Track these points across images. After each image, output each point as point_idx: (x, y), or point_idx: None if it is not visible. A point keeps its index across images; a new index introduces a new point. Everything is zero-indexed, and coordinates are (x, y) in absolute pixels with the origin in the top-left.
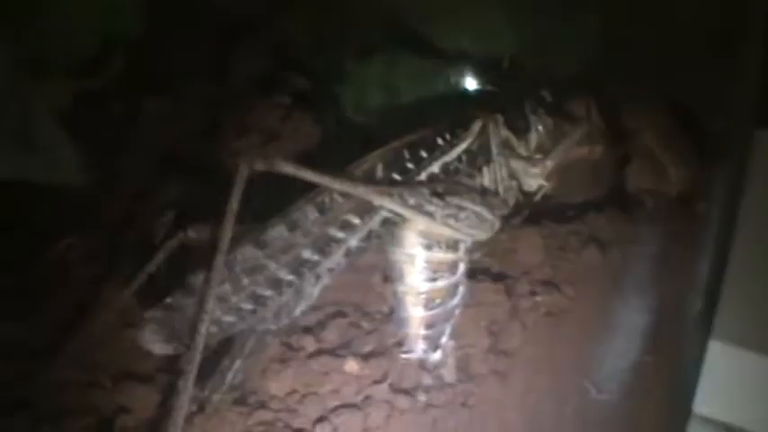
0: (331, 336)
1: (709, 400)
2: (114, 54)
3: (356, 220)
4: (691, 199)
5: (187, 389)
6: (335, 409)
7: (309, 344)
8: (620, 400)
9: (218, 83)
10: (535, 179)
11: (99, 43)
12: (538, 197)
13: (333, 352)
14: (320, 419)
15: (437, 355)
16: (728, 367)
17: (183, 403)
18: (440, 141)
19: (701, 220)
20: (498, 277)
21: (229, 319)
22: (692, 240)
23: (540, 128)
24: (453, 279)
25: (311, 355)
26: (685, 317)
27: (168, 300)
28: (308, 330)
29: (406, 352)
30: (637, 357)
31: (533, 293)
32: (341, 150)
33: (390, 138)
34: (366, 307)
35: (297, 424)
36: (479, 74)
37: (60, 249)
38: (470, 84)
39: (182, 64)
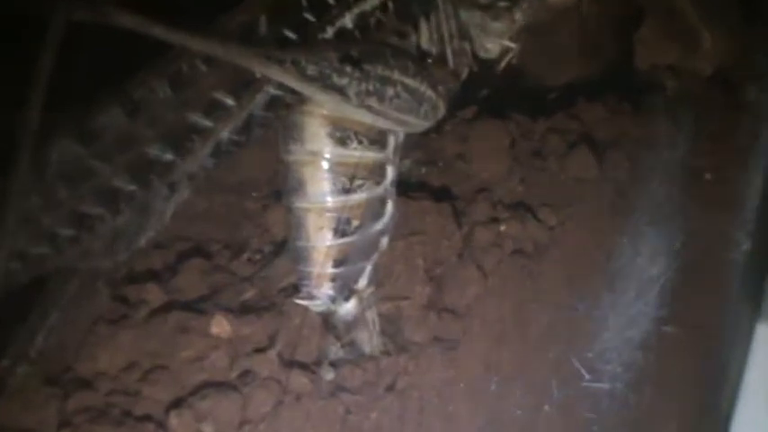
0: (187, 283)
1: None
2: None
3: (229, 100)
4: (734, 81)
5: None
6: (198, 389)
7: (155, 295)
8: (624, 392)
9: None
10: (497, 39)
11: None
12: (501, 67)
13: (191, 306)
14: (176, 404)
15: (351, 309)
16: None
17: None
18: None
19: (748, 114)
20: (443, 194)
21: (39, 250)
22: (735, 145)
23: None
24: (377, 191)
25: (157, 312)
26: (725, 266)
27: None
28: (152, 276)
29: (303, 299)
30: (650, 327)
31: (495, 221)
32: None
33: None
34: (239, 242)
35: (140, 411)
36: None
37: None
38: None
39: None
